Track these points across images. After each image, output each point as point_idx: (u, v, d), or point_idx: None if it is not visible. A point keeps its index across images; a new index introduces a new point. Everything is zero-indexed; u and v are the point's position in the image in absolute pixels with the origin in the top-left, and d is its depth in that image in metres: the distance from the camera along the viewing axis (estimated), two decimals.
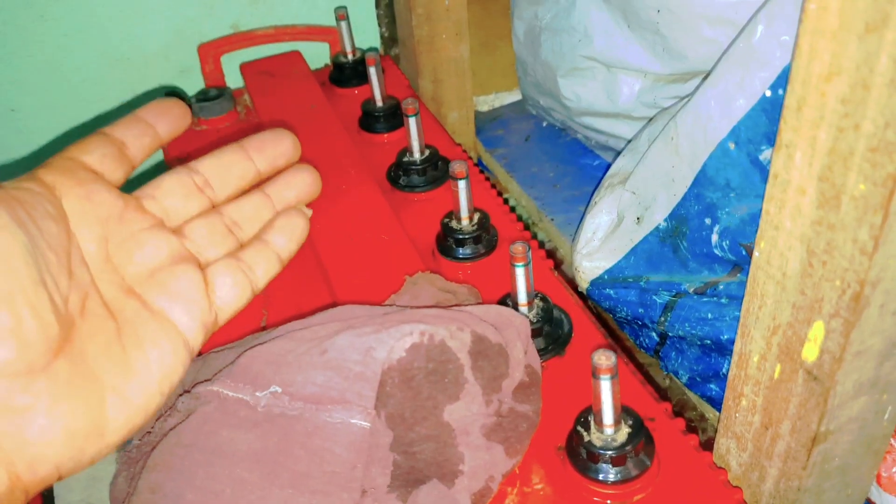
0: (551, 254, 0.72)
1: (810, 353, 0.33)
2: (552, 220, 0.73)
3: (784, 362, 0.35)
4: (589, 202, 0.56)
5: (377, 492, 0.36)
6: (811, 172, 0.30)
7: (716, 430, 0.46)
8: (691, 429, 0.42)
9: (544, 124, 0.86)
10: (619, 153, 0.57)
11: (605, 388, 0.37)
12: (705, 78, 0.43)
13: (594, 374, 0.37)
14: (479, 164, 0.88)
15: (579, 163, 0.80)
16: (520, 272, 0.45)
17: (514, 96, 0.91)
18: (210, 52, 0.80)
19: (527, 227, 0.58)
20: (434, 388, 0.37)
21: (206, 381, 0.40)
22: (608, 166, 0.77)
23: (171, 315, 0.36)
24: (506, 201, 0.66)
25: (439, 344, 0.38)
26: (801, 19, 0.28)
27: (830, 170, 0.29)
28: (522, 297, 0.46)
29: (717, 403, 0.48)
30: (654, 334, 0.51)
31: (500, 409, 0.39)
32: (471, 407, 0.38)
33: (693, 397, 0.52)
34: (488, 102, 0.91)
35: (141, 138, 0.39)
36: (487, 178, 0.63)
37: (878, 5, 0.25)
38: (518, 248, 0.44)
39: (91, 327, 0.32)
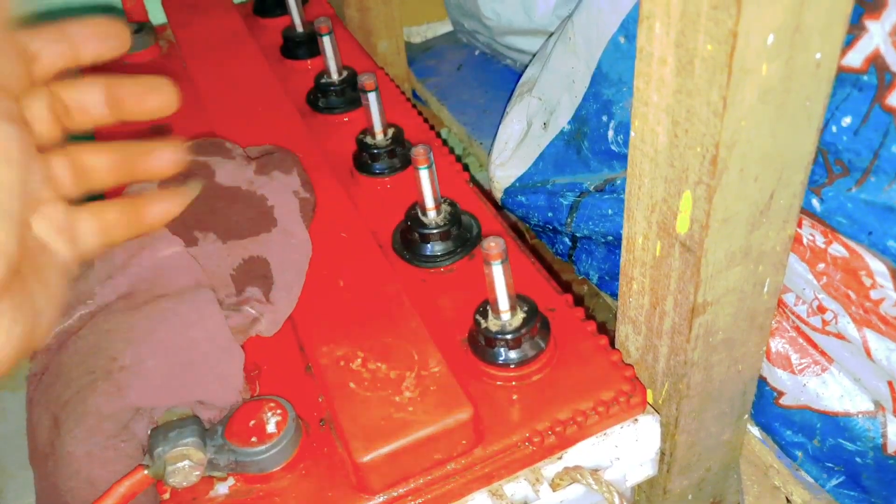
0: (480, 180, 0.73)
1: (682, 224, 0.35)
2: (481, 143, 0.73)
3: (663, 238, 0.36)
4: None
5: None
6: (669, 41, 0.31)
7: None
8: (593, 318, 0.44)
9: (476, 53, 0.86)
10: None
11: (497, 272, 0.38)
12: None
13: (485, 260, 0.38)
14: (414, 96, 0.88)
15: (509, 87, 0.79)
16: (424, 174, 0.45)
17: (446, 27, 0.90)
18: None
19: (454, 153, 0.59)
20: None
21: None
22: None
23: None
24: (438, 135, 0.66)
25: None
26: None
27: (683, 34, 0.30)
28: (429, 202, 0.46)
29: None
30: (566, 239, 0.52)
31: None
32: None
33: (606, 298, 0.54)
34: (420, 33, 0.90)
35: (59, 56, 0.33)
36: (403, 94, 0.63)
37: None
38: (420, 150, 0.44)
39: None
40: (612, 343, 0.43)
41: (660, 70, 0.32)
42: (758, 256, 0.36)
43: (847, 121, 0.32)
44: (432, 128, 0.60)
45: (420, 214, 0.47)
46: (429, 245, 0.47)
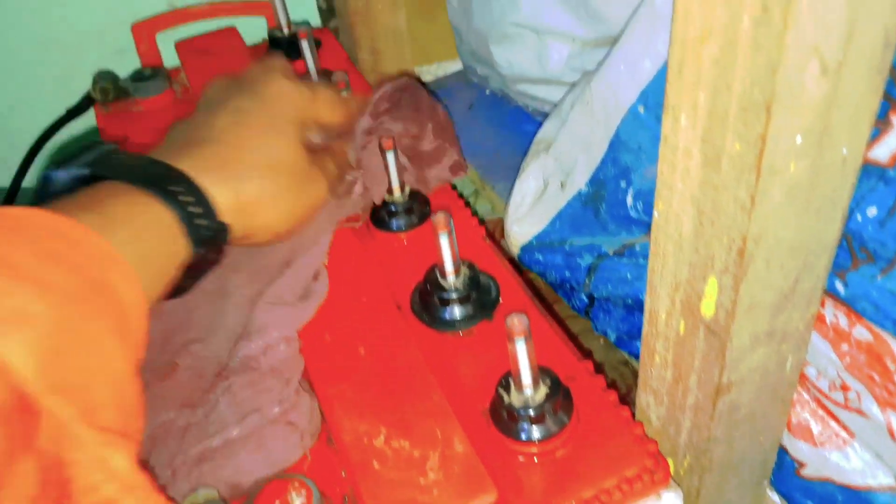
0: (495, 223, 0.73)
1: (707, 308, 0.35)
2: (493, 188, 0.73)
3: (687, 318, 0.36)
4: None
5: None
6: (695, 134, 0.31)
7: None
8: (615, 387, 0.44)
9: (487, 93, 0.86)
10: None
11: (521, 349, 0.38)
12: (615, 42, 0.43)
13: (509, 337, 0.38)
14: None
15: (521, 130, 0.80)
16: (444, 241, 0.45)
17: (456, 65, 0.90)
18: (145, 31, 0.78)
19: (463, 197, 0.59)
20: None
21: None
22: None
23: None
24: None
25: None
26: None
27: (711, 131, 0.30)
28: (449, 267, 0.46)
29: None
30: (583, 296, 0.52)
31: None
32: None
33: (624, 355, 0.54)
34: (431, 72, 0.90)
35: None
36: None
37: None
38: (440, 218, 0.44)
39: None
40: (621, 399, 0.43)
41: (685, 161, 0.32)
42: (782, 337, 0.36)
43: (872, 211, 0.32)
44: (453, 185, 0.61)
45: (439, 278, 0.47)
46: (448, 309, 0.47)
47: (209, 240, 0.41)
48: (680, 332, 0.38)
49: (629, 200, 0.44)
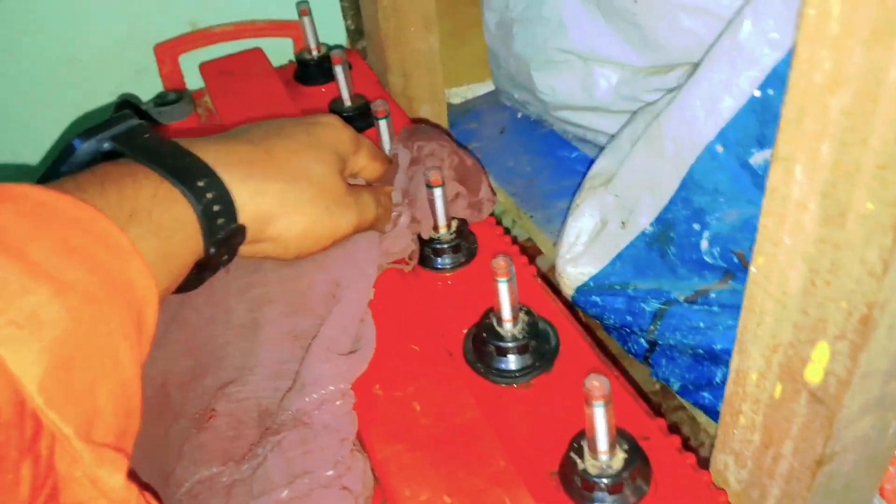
0: (528, 251, 0.70)
1: (814, 374, 0.32)
2: (531, 216, 0.70)
3: (785, 382, 0.33)
4: (571, 202, 0.54)
5: None
6: (813, 188, 0.28)
7: (709, 436, 0.44)
8: (687, 445, 0.41)
9: (519, 115, 0.83)
10: (600, 150, 0.54)
11: (599, 414, 0.35)
12: (690, 75, 0.41)
13: (587, 401, 0.35)
14: None
15: (557, 155, 0.77)
16: (503, 287, 0.42)
17: (487, 87, 0.88)
18: (167, 53, 0.76)
19: (500, 223, 0.56)
20: None
21: None
22: (587, 159, 0.75)
23: None
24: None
25: None
26: (798, 25, 0.26)
27: (834, 186, 0.27)
28: (507, 313, 0.43)
29: (710, 411, 0.46)
30: (642, 340, 0.49)
31: None
32: None
33: (686, 403, 0.51)
34: (461, 94, 0.88)
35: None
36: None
37: (886, 11, 0.23)
38: (500, 263, 0.42)
39: None
40: (687, 446, 0.40)
41: (797, 214, 0.29)
42: (890, 404, 0.33)
43: None
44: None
45: (496, 325, 0.44)
46: (505, 359, 0.44)
47: (223, 241, 0.40)
48: (774, 395, 0.34)
49: (704, 244, 0.42)
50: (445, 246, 0.51)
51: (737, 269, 0.42)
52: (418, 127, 0.57)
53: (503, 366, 0.44)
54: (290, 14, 0.80)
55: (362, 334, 0.45)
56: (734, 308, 0.42)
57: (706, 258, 0.42)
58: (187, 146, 0.40)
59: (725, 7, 0.47)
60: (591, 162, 0.74)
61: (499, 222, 0.59)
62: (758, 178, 0.39)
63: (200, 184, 0.38)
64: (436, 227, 0.51)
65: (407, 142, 0.54)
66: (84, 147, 0.39)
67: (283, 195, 0.43)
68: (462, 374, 0.44)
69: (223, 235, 0.40)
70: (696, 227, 0.42)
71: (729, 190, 0.40)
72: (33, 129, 0.78)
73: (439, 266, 0.52)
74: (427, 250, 0.52)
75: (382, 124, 0.56)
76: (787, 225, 0.30)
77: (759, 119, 0.38)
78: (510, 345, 0.44)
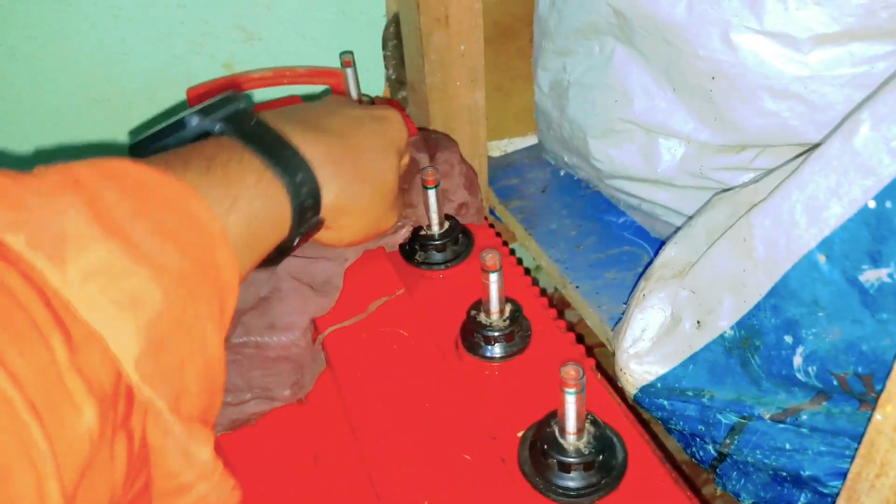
0: (572, 326, 0.66)
1: None
2: (577, 287, 0.66)
3: None
4: (632, 289, 0.50)
5: None
6: None
7: None
8: None
9: (562, 173, 0.80)
10: (654, 220, 0.50)
11: None
12: (762, 155, 0.37)
13: None
14: (492, 213, 0.82)
15: (603, 220, 0.73)
16: (570, 399, 0.38)
17: (527, 141, 0.84)
18: (200, 99, 0.72)
19: (545, 294, 0.52)
20: None
21: None
22: (635, 225, 0.71)
23: None
24: (519, 261, 0.60)
25: None
26: None
27: None
28: (571, 426, 0.39)
29: None
30: (711, 448, 0.45)
31: None
32: None
33: None
34: (500, 148, 0.84)
35: None
36: (512, 252, 0.57)
37: None
38: (570, 372, 0.37)
39: None
40: None
41: None
42: None
43: None
44: (528, 271, 0.54)
45: (558, 435, 0.40)
46: (568, 475, 0.40)
47: (305, 232, 0.42)
48: None
49: (797, 361, 0.37)
50: (497, 333, 0.47)
51: (834, 391, 0.37)
52: (431, 135, 0.60)
53: (565, 483, 0.40)
54: (329, 60, 0.77)
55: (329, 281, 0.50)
56: (827, 433, 0.38)
57: (798, 375, 0.38)
58: (287, 134, 0.41)
59: (817, 94, 0.43)
60: (642, 231, 0.70)
61: (545, 294, 0.55)
62: (868, 298, 0.35)
63: (298, 178, 0.40)
64: (487, 311, 0.47)
65: (422, 150, 0.58)
66: (195, 125, 0.40)
67: (359, 196, 0.46)
68: (517, 485, 0.40)
69: (307, 228, 0.42)
70: (788, 339, 0.38)
71: (831, 305, 0.36)
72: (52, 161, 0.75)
73: (488, 355, 0.48)
74: (476, 336, 0.48)
75: (431, 194, 0.53)
76: None
77: (873, 233, 0.34)
78: (574, 461, 0.39)
